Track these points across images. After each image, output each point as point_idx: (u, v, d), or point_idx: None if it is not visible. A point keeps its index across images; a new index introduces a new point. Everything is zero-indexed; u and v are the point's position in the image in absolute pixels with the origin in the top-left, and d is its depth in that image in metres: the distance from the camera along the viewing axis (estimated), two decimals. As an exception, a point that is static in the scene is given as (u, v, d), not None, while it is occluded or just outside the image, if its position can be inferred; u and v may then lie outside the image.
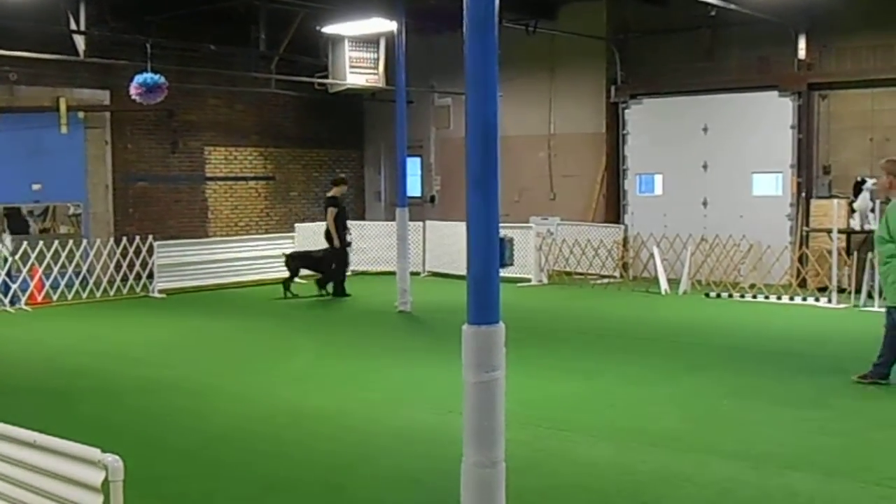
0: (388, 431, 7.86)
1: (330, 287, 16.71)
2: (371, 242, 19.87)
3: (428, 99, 22.25)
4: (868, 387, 9.32)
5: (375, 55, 20.10)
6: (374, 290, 17.04)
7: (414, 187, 22.27)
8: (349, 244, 17.24)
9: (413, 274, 16.07)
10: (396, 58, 15.22)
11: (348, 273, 17.36)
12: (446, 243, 18.53)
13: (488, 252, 4.67)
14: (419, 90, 21.03)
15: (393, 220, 15.96)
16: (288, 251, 17.68)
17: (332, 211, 16.52)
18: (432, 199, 22.75)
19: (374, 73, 20.15)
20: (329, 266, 16.69)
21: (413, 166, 22.14)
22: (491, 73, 4.71)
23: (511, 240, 4.80)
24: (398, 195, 15.41)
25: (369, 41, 19.84)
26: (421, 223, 19.58)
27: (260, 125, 21.68)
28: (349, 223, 17.35)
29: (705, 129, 19.20)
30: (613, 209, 20.34)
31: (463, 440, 4.78)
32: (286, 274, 16.74)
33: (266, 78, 19.93)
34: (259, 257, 18.53)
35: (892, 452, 7.05)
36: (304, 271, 17.26)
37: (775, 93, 18.35)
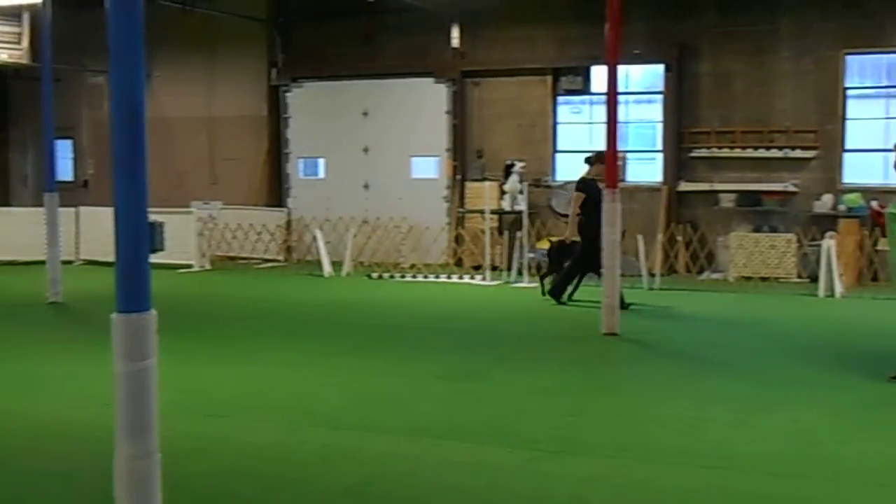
0: (39, 428, 7.40)
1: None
2: (18, 230, 18.63)
3: (80, 78, 21.15)
4: (521, 360, 9.88)
5: (19, 29, 18.90)
6: (22, 281, 16.02)
7: (65, 171, 21.16)
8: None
9: (66, 262, 15.29)
10: (42, 32, 14.32)
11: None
12: (101, 229, 17.70)
13: (137, 237, 4.49)
14: (69, 68, 19.95)
15: (41, 205, 15.02)
16: (554, 240, 14.80)
17: (577, 196, 13.35)
18: (85, 183, 21.69)
19: (18, 49, 18.98)
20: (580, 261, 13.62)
21: (64, 149, 21.04)
22: (136, 52, 4.50)
23: (161, 224, 4.62)
24: (46, 179, 14.53)
25: (11, 14, 18.62)
26: (74, 209, 18.63)
27: None
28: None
29: (366, 114, 19.59)
30: (276, 193, 20.32)
31: (115, 433, 4.59)
32: None
33: None
34: None
35: (538, 417, 7.52)
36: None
37: (431, 79, 19.04)
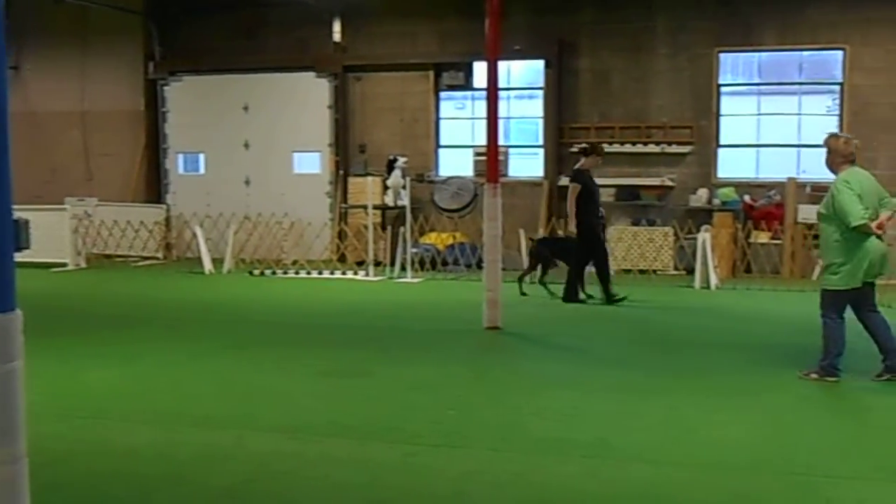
0: None
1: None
2: None
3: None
4: (403, 355, 9.88)
5: None
6: None
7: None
8: (603, 231, 13.85)
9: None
10: None
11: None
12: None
13: (1, 236, 4.34)
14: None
15: None
16: (536, 236, 14.43)
17: (574, 188, 12.87)
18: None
19: None
20: (579, 258, 13.39)
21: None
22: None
23: (26, 221, 4.47)
24: None
25: None
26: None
27: None
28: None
29: (246, 108, 19.35)
30: (155, 189, 19.92)
31: (-19, 438, 4.42)
32: None
33: None
34: None
35: (419, 412, 7.53)
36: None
37: (313, 73, 18.91)
